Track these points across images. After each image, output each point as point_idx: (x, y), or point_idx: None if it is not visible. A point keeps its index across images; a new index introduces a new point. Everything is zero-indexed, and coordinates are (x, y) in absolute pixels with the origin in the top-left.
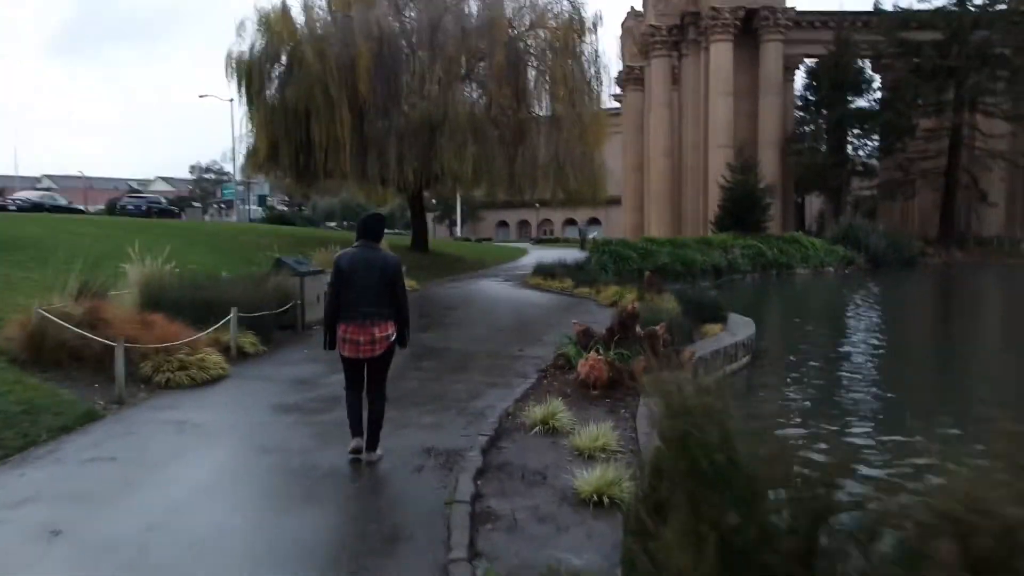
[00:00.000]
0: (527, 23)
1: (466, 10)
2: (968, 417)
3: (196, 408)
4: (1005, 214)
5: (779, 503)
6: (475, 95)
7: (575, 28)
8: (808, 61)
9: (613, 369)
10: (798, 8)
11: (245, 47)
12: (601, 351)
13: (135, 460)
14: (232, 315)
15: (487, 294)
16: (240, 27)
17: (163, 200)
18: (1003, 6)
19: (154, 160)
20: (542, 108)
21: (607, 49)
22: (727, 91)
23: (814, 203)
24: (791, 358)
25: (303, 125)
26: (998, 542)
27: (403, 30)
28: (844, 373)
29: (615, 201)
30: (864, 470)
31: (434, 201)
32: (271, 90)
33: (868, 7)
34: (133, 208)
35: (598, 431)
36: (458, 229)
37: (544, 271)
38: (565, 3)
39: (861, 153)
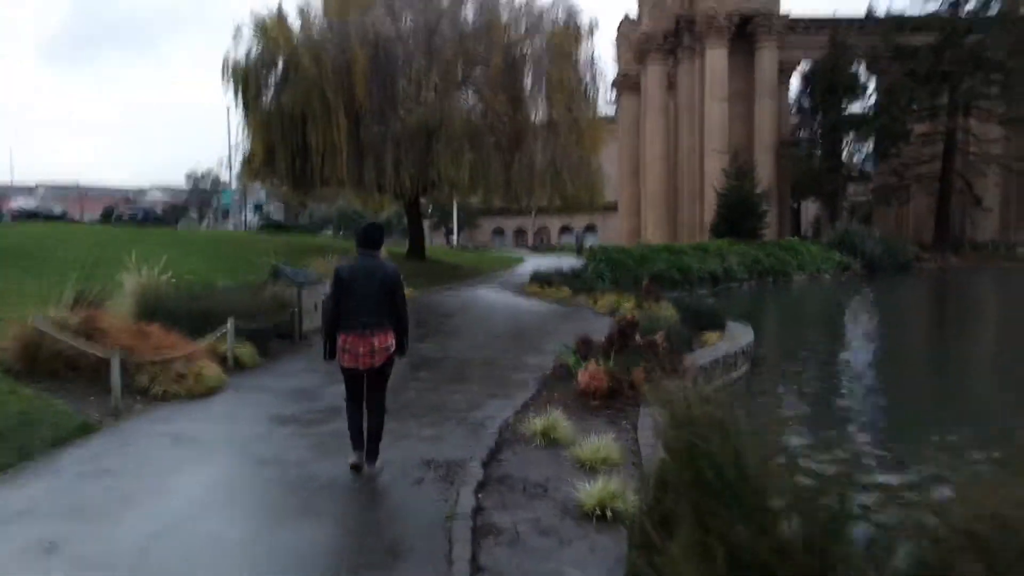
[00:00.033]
0: (524, 29)
1: (462, 16)
2: (971, 424)
3: (193, 420)
4: (999, 219)
5: (791, 517)
6: (472, 101)
7: (571, 34)
8: (803, 66)
9: (613, 379)
10: (792, 13)
11: (241, 53)
12: (601, 361)
13: (132, 473)
14: (229, 325)
15: (484, 302)
16: (236, 33)
17: (158, 209)
18: (996, 10)
19: (150, 166)
20: (539, 114)
21: (603, 55)
22: (722, 96)
23: (810, 208)
24: (791, 367)
25: (299, 131)
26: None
27: (399, 36)
28: (845, 381)
29: (611, 207)
30: (869, 479)
31: (431, 208)
32: (267, 96)
33: (862, 12)
34: (128, 217)
35: (599, 442)
36: (455, 237)
37: (541, 279)
38: (561, 9)
39: (856, 158)
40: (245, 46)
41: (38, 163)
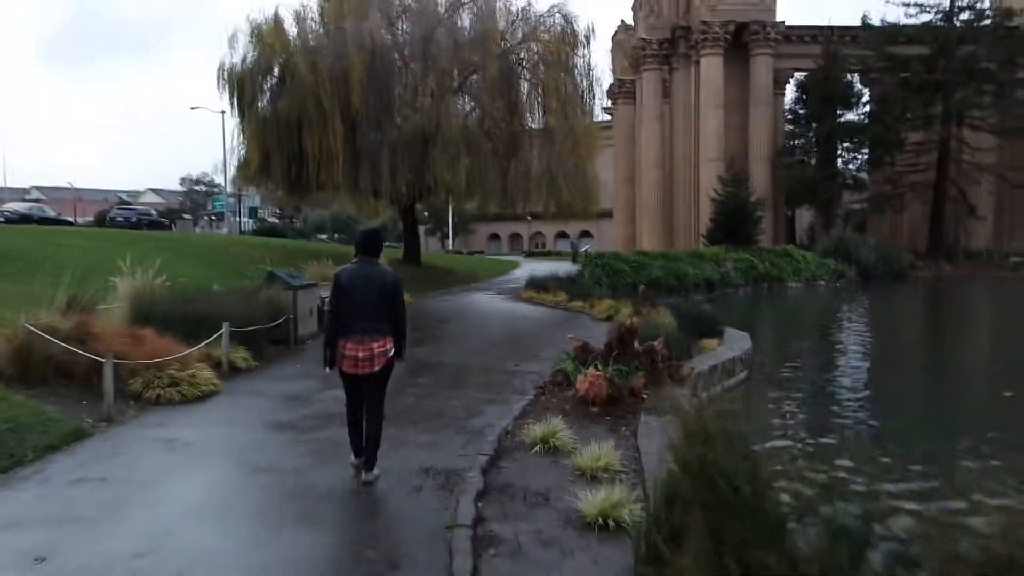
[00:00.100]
0: (520, 36)
1: (459, 23)
2: (969, 431)
3: (187, 425)
4: (993, 227)
5: (810, 536)
6: (468, 107)
7: (568, 41)
8: (798, 75)
9: (613, 386)
10: (788, 22)
11: (237, 59)
12: (600, 367)
13: (124, 480)
14: (224, 330)
15: (481, 307)
16: (232, 39)
17: (153, 212)
18: (988, 21)
19: (144, 171)
20: (535, 121)
21: (599, 62)
22: (718, 104)
23: (804, 216)
24: (788, 374)
25: (295, 137)
26: None
27: (396, 42)
28: (844, 389)
29: (607, 214)
30: (872, 486)
31: (426, 214)
32: (263, 102)
33: (856, 22)
34: (123, 220)
35: (600, 450)
36: (450, 242)
37: (537, 284)
38: (558, 16)
39: (851, 166)
40: (241, 52)
41: (31, 169)
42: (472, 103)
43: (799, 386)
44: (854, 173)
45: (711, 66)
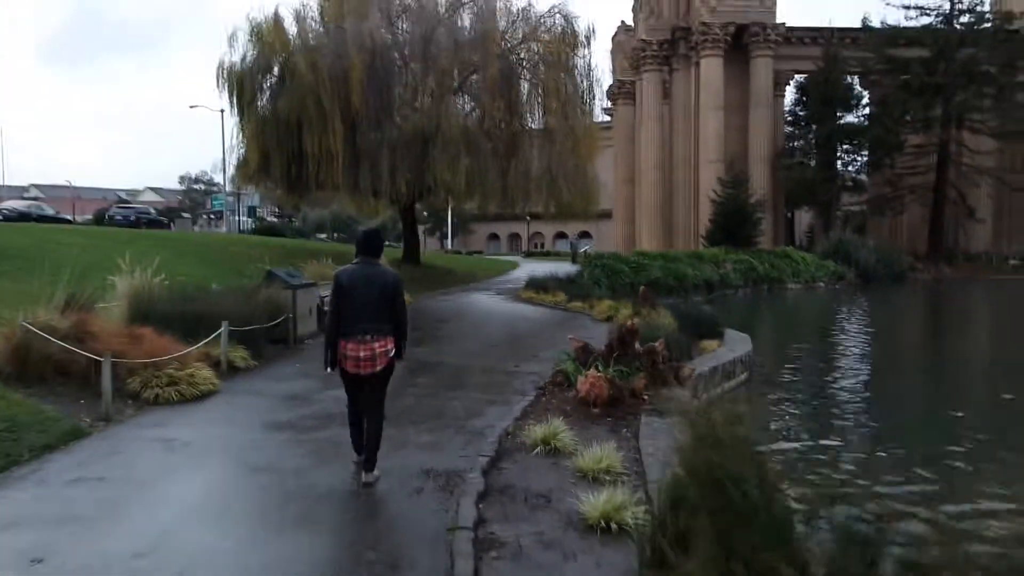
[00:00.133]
0: (520, 36)
1: (459, 23)
2: (968, 433)
3: (185, 425)
4: (992, 230)
5: (823, 543)
6: (468, 107)
7: (568, 41)
8: (798, 77)
9: (613, 386)
10: (788, 24)
11: (236, 57)
12: (600, 368)
13: (122, 480)
14: (223, 329)
15: (480, 307)
16: (232, 37)
17: (152, 211)
18: (989, 25)
19: (143, 170)
20: (535, 121)
21: (599, 62)
22: (718, 106)
23: (804, 218)
24: (788, 376)
25: (295, 136)
26: None
27: (396, 42)
28: (844, 391)
29: (606, 214)
30: (875, 488)
31: (425, 213)
32: (263, 101)
33: (857, 24)
34: (121, 218)
35: (601, 452)
36: (449, 242)
37: (536, 285)
38: (558, 16)
39: (851, 168)
40: (241, 51)
41: (30, 168)
42: (472, 103)
43: (799, 388)
44: (854, 175)
45: (711, 67)
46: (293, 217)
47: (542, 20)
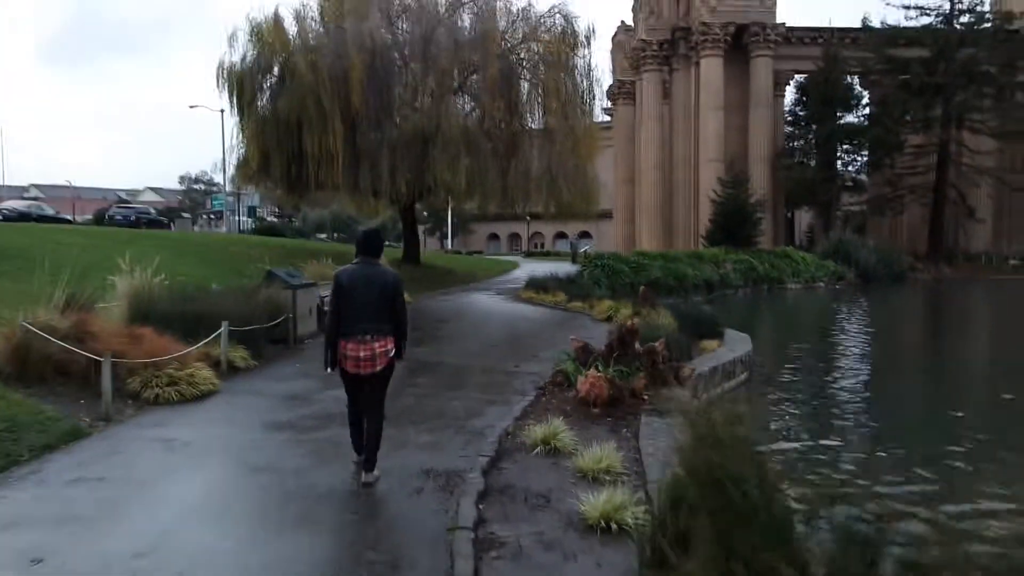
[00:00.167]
0: (520, 36)
1: (459, 23)
2: (968, 434)
3: (185, 425)
4: (992, 230)
5: (823, 543)
6: (468, 107)
7: (568, 41)
8: (798, 77)
9: (614, 386)
10: (788, 24)
11: (236, 57)
12: (600, 368)
13: (122, 480)
14: (223, 329)
15: (480, 307)
16: (232, 37)
17: (152, 211)
18: (989, 25)
19: (143, 170)
20: (535, 121)
21: (599, 62)
22: (718, 106)
23: (804, 218)
24: (788, 376)
25: (295, 136)
26: None
27: (396, 42)
28: (844, 391)
29: (606, 214)
30: (875, 488)
31: (425, 213)
32: (263, 101)
33: (857, 24)
34: (121, 218)
35: (601, 452)
36: (448, 241)
37: (536, 285)
38: (558, 16)
39: (850, 168)
40: (240, 51)
41: (30, 168)
42: (472, 103)
43: (799, 388)
44: (854, 175)
45: (711, 67)
46: (293, 217)
47: (542, 20)
